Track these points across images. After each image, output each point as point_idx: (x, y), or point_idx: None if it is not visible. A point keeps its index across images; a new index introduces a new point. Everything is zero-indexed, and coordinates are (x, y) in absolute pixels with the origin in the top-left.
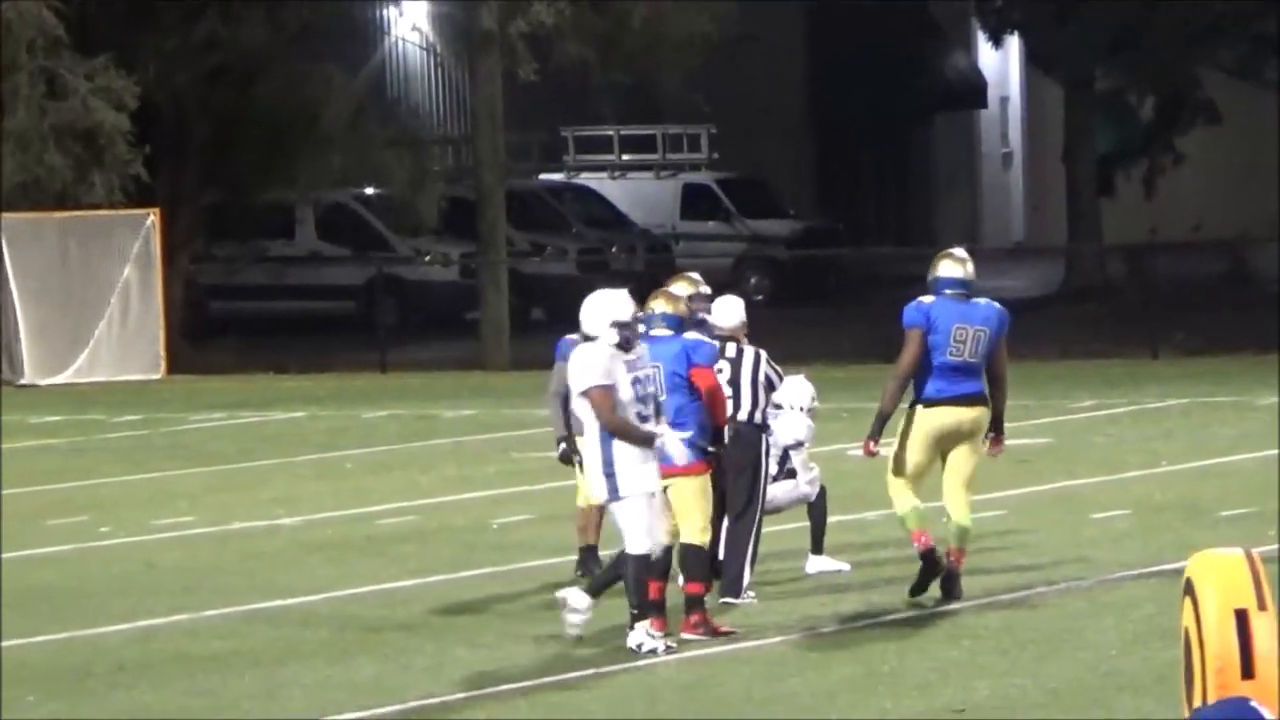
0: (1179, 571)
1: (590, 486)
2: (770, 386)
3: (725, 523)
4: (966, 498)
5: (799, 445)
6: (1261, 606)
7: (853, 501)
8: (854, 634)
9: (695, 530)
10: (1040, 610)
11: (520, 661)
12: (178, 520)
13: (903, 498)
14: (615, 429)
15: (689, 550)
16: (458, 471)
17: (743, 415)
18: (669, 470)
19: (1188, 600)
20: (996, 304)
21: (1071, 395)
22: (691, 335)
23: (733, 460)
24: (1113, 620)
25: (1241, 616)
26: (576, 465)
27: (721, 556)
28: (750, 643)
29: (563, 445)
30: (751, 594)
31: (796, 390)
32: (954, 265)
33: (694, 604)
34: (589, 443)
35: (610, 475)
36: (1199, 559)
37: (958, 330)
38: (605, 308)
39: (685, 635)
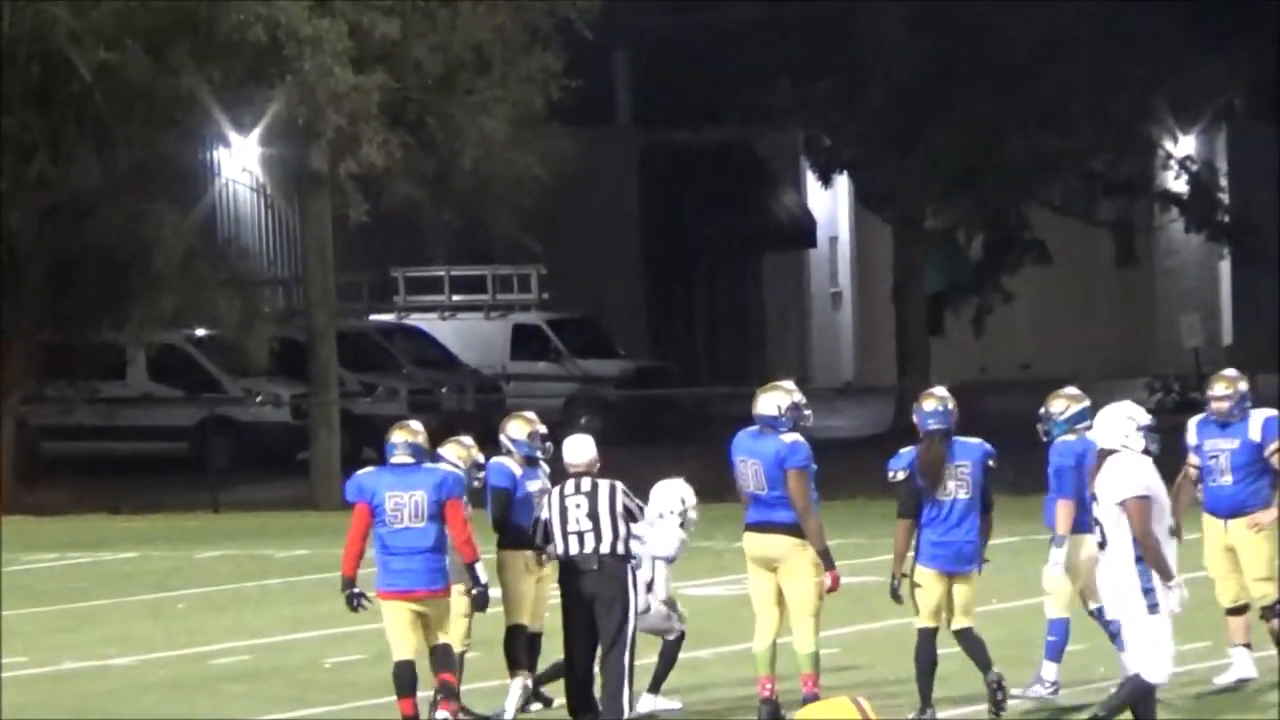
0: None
1: (1108, 601)
2: (630, 517)
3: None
4: (805, 625)
5: (669, 560)
6: None
7: (685, 640)
8: None
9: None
10: None
11: None
12: (11, 660)
13: (759, 635)
14: (1148, 544)
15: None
16: (290, 611)
17: (605, 548)
18: (429, 592)
19: None
20: (785, 439)
21: None
22: (445, 465)
23: (600, 594)
24: None
25: None
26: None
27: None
28: None
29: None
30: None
31: (666, 494)
32: (763, 400)
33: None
34: (1115, 558)
35: (1148, 591)
36: (807, 711)
37: (739, 463)
38: (1127, 415)
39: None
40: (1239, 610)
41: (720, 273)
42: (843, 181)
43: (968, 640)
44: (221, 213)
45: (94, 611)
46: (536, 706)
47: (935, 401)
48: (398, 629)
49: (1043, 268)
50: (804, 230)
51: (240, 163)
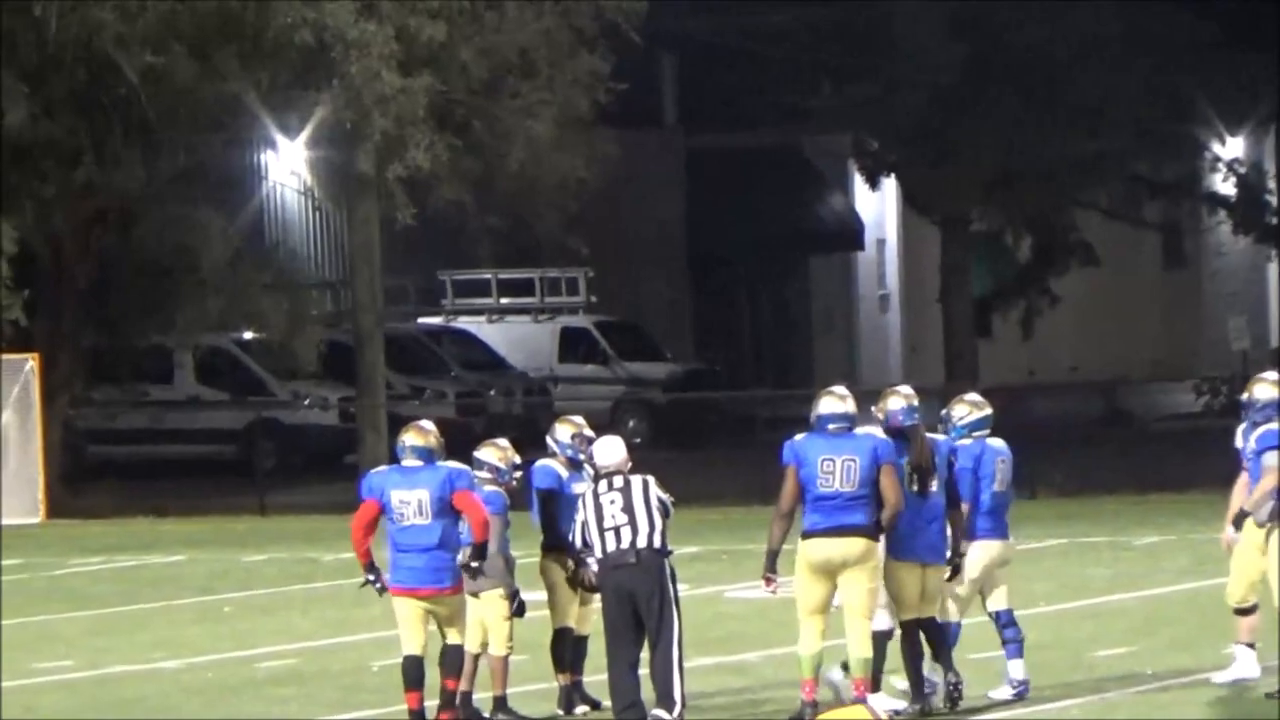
0: (1057, 710)
1: None
2: (665, 511)
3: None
4: (863, 627)
5: None
6: None
7: (732, 643)
8: None
9: (461, 635)
10: None
11: None
12: (57, 664)
13: (806, 639)
14: None
15: (452, 650)
16: (337, 614)
17: (641, 541)
18: (436, 590)
19: None
20: (876, 434)
21: None
22: (454, 463)
23: (639, 589)
24: None
25: None
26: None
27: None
28: None
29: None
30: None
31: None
32: (831, 401)
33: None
34: None
35: None
36: (827, 716)
37: (824, 462)
38: None
39: None
40: (1248, 610)
41: (767, 275)
42: (890, 183)
43: (933, 629)
44: (269, 216)
45: (140, 615)
46: (583, 709)
47: (903, 399)
48: (406, 625)
49: (1090, 270)
50: (851, 232)
51: (287, 166)
